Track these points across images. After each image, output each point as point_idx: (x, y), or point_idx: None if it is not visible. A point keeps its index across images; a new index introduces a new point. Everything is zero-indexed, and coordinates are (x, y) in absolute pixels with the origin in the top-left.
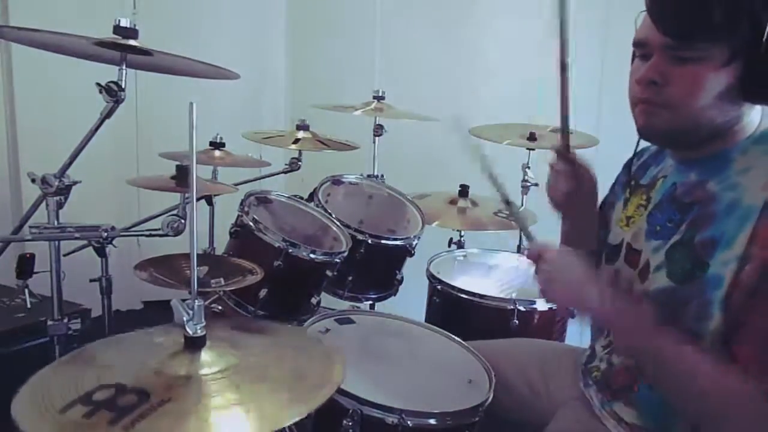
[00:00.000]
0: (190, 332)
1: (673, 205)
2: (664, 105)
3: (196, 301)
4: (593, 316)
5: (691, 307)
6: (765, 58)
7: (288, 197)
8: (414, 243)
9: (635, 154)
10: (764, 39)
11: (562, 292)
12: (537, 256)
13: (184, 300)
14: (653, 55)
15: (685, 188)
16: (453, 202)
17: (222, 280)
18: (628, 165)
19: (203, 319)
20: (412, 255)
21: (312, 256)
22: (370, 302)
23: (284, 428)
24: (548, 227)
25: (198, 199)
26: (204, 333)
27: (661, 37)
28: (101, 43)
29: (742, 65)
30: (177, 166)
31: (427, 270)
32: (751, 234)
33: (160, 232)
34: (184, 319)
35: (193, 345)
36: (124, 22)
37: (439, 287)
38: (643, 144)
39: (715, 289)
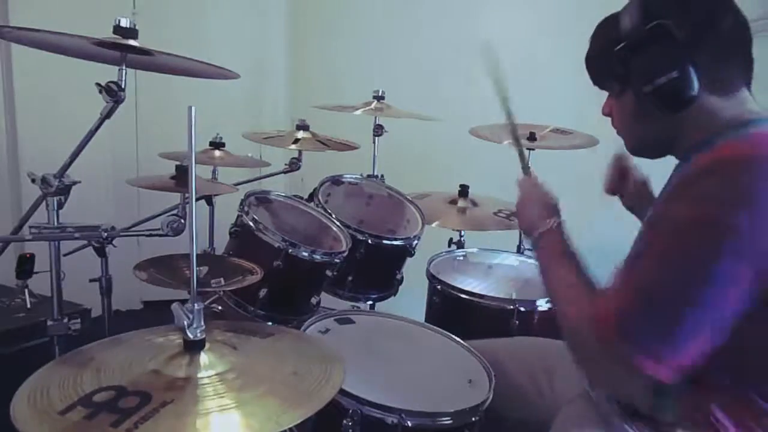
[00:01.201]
0: (191, 336)
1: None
2: (618, 132)
3: (195, 304)
4: (526, 229)
5: None
6: (636, 86)
7: (288, 197)
8: (414, 243)
9: None
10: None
11: (520, 209)
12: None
13: (183, 301)
14: None
15: (673, 175)
16: (453, 202)
17: (222, 280)
18: None
19: (203, 323)
20: (412, 255)
21: (312, 256)
22: (370, 302)
23: (285, 429)
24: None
25: (198, 200)
26: (204, 336)
27: None
28: (101, 43)
29: (632, 92)
30: (177, 166)
31: (427, 270)
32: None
33: (160, 232)
34: (185, 323)
35: (193, 347)
36: (124, 22)
37: (439, 287)
38: None
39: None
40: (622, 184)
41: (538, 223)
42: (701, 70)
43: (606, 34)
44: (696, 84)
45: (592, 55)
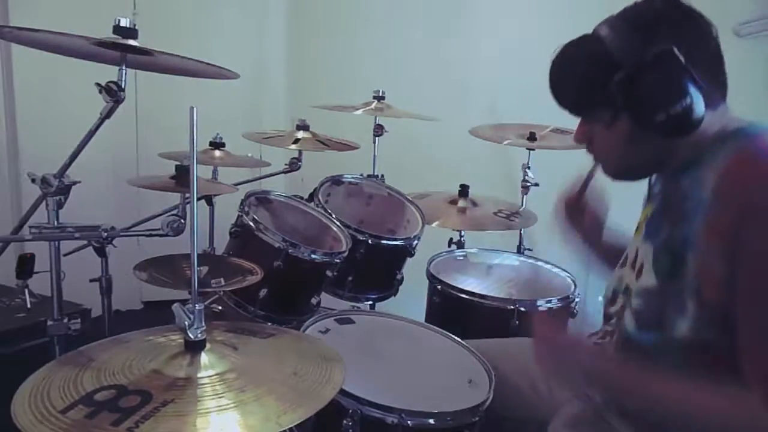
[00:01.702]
0: (192, 337)
1: (661, 208)
2: (597, 159)
3: (196, 305)
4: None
5: (672, 304)
6: (638, 115)
7: (288, 197)
8: (414, 243)
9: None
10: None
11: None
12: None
13: (183, 301)
14: None
15: (670, 191)
16: (453, 202)
17: (222, 280)
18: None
19: (203, 323)
20: (412, 255)
21: (312, 256)
22: (370, 302)
23: (285, 429)
24: (547, 226)
25: (198, 199)
26: (204, 337)
27: None
28: (101, 43)
29: (628, 119)
30: (177, 166)
31: (427, 270)
32: (705, 223)
33: (160, 232)
34: (185, 323)
35: (194, 348)
36: (124, 22)
37: (439, 287)
38: None
39: (689, 284)
40: (579, 220)
41: (578, 356)
42: (702, 89)
43: (587, 61)
44: (703, 105)
45: (570, 84)
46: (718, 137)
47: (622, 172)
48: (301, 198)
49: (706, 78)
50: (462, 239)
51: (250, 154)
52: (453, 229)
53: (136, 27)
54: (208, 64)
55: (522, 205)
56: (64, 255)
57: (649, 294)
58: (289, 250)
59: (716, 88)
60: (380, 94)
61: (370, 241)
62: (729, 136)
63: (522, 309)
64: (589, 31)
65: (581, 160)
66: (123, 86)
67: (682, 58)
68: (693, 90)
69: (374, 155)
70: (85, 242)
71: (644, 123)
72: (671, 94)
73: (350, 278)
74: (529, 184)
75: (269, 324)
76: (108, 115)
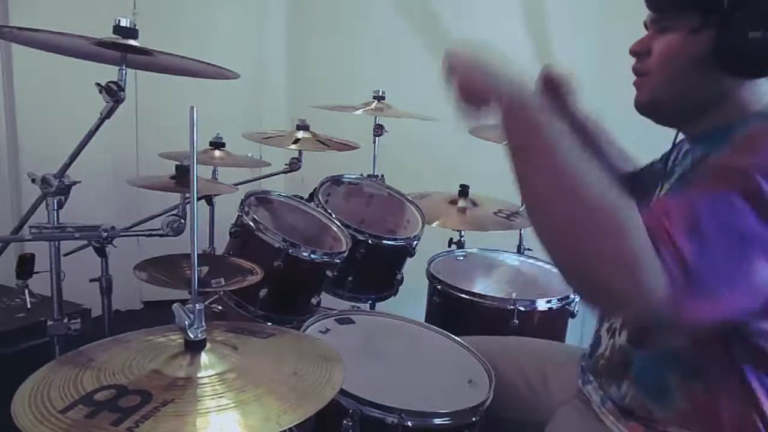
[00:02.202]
0: (192, 336)
1: (681, 182)
2: (645, 73)
3: (196, 305)
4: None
5: None
6: (731, 29)
7: (288, 197)
8: (414, 243)
9: (673, 146)
10: (728, 10)
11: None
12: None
13: (183, 301)
14: None
15: (691, 164)
16: (453, 202)
17: (222, 280)
18: (665, 155)
19: (204, 323)
20: (412, 255)
21: (312, 256)
22: (370, 302)
23: (285, 429)
24: None
25: (198, 199)
26: (204, 337)
27: (648, 12)
28: (101, 43)
29: (712, 35)
30: (177, 166)
31: (427, 270)
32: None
33: (160, 232)
34: (186, 323)
35: (194, 348)
36: (124, 22)
37: (439, 287)
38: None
39: None
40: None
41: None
42: None
43: None
44: None
45: None
46: (752, 114)
47: (660, 99)
48: (301, 198)
49: None
50: (462, 239)
51: (250, 154)
52: (453, 229)
53: (136, 27)
54: (208, 64)
55: (522, 205)
56: (64, 255)
57: None
58: (289, 250)
59: None
60: (380, 94)
61: (370, 241)
62: (763, 114)
63: (522, 309)
64: (589, 32)
65: None
66: (123, 86)
67: None
68: None
69: (374, 155)
70: (85, 242)
71: (731, 43)
72: None
73: (350, 278)
74: None
75: (269, 324)
76: (108, 115)
